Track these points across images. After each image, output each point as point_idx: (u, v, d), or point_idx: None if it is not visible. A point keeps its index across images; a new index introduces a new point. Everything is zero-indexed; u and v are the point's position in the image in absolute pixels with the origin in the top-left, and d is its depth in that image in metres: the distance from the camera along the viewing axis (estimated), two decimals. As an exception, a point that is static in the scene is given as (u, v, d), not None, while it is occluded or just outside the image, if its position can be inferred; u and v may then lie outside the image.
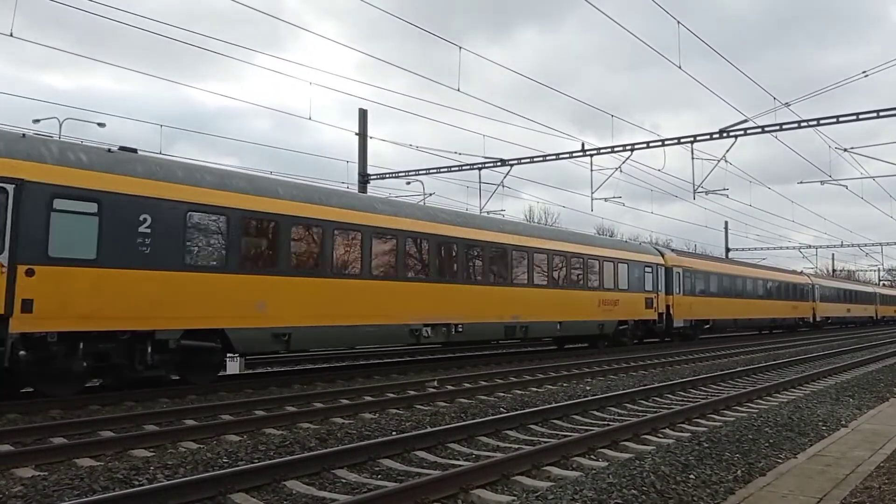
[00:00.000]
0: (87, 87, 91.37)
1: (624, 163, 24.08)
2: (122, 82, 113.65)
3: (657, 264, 27.93)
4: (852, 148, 23.91)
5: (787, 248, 59.84)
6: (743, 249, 58.64)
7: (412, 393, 12.63)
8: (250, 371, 16.37)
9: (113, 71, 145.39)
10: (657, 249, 29.92)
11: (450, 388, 13.40)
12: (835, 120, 20.52)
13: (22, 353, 10.04)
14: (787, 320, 43.51)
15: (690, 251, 51.98)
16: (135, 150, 12.49)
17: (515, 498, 5.74)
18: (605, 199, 28.84)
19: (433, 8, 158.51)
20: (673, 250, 31.81)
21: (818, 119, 20.89)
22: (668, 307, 28.00)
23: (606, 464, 6.91)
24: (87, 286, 10.80)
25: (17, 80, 79.75)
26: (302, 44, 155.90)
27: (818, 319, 47.90)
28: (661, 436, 8.77)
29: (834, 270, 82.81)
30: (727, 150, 22.98)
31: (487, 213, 28.23)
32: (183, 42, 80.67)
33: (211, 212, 12.65)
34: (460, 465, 6.81)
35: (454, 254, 18.37)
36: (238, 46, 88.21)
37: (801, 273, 49.02)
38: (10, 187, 10.11)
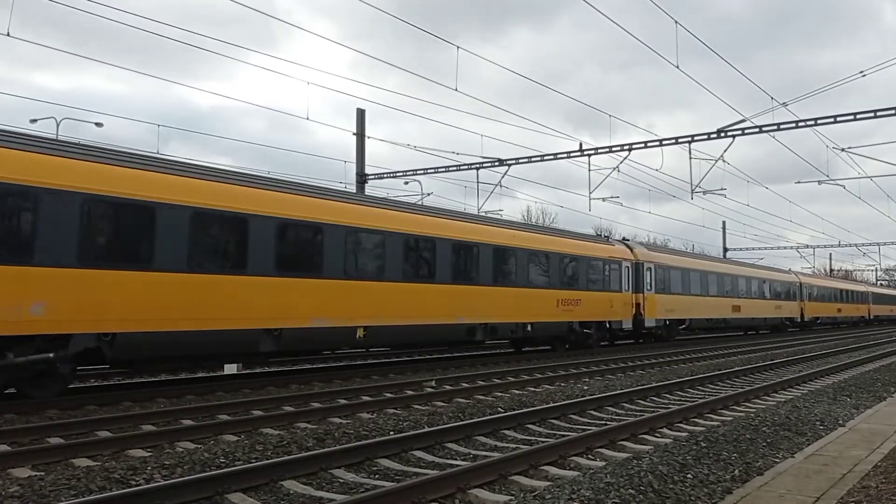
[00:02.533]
0: (81, 86, 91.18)
1: (622, 163, 24.09)
2: (115, 82, 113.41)
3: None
4: (849, 148, 23.99)
5: (785, 247, 60.05)
6: (741, 249, 58.75)
7: (410, 393, 12.62)
8: (248, 371, 16.37)
9: (106, 70, 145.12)
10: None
11: (447, 387, 13.39)
12: (832, 120, 20.54)
13: None
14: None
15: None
16: None
17: (513, 497, 5.74)
18: (603, 199, 29.01)
19: (427, 7, 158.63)
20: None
21: (815, 119, 20.91)
22: None
23: (604, 463, 6.92)
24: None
25: (10, 80, 79.64)
26: (296, 43, 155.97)
27: (653, 324, 26.29)
28: (658, 435, 8.78)
29: (831, 270, 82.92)
30: (725, 150, 23.01)
31: (486, 212, 27.25)
32: (176, 41, 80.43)
33: None
34: (458, 465, 6.81)
35: None
36: (231, 45, 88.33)
37: (613, 242, 26.47)
38: None
